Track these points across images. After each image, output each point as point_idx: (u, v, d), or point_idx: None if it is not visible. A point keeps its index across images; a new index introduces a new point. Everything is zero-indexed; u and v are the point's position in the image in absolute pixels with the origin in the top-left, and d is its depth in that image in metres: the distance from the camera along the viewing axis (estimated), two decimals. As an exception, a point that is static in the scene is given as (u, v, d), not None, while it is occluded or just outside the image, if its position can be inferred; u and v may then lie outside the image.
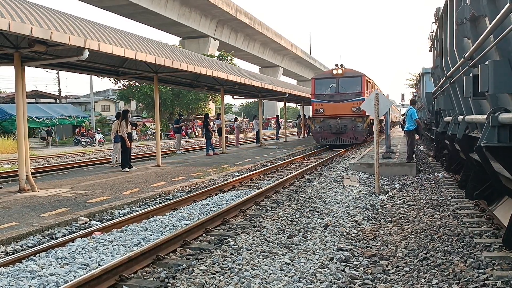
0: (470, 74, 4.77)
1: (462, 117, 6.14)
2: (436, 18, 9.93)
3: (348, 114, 22.41)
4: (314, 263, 5.31)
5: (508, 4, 3.09)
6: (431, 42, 12.11)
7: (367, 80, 23.08)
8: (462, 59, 5.35)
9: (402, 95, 32.72)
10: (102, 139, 35.49)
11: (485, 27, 4.10)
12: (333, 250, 5.87)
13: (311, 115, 24.55)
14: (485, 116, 3.98)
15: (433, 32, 11.25)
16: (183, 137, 35.12)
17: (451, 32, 6.91)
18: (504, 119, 3.65)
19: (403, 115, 25.12)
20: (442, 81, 8.86)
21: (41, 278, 4.73)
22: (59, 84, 49.58)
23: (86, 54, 9.40)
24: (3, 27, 7.48)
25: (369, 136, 26.41)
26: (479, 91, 4.00)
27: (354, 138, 22.46)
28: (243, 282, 4.56)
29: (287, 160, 16.75)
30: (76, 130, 40.74)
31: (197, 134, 48.25)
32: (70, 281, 4.49)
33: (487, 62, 3.75)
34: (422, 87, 21.00)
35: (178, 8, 47.77)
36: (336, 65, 23.20)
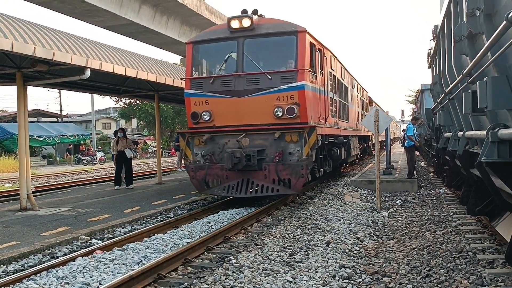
0: (469, 91, 4.82)
1: (462, 133, 6.16)
2: (434, 35, 10.04)
3: (266, 125, 9.94)
4: (316, 281, 5.27)
5: (504, 22, 3.14)
6: (429, 59, 12.22)
7: (311, 43, 10.42)
8: (461, 75, 5.40)
9: (402, 111, 32.88)
10: (103, 157, 35.54)
11: (483, 44, 4.15)
12: (335, 267, 5.84)
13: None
14: (484, 132, 4.00)
15: (432, 49, 11.36)
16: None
17: (449, 49, 6.98)
18: (504, 135, 3.67)
19: (403, 131, 24.77)
20: (441, 97, 8.91)
21: (41, 298, 4.70)
22: (60, 102, 49.91)
23: (88, 73, 9.49)
24: (6, 47, 7.58)
25: (328, 170, 12.78)
26: (478, 107, 4.03)
27: (280, 180, 9.76)
28: (245, 300, 4.52)
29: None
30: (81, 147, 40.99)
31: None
32: (71, 300, 4.46)
33: (485, 79, 3.79)
34: (421, 103, 21.11)
35: (178, 27, 48.22)
36: (244, 11, 10.28)
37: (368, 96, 26.31)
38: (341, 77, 14.76)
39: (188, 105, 10.51)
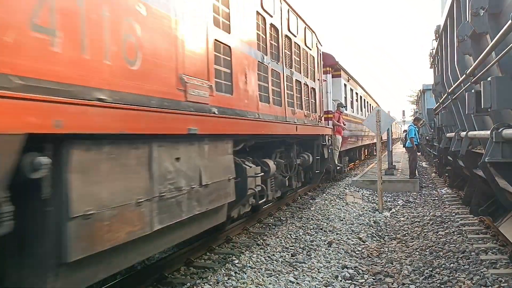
0: (473, 90, 4.81)
1: (465, 133, 6.16)
2: (437, 35, 10.03)
3: None
4: (319, 281, 5.26)
5: (509, 22, 3.13)
6: (431, 59, 12.22)
7: None
8: (464, 75, 5.39)
9: (403, 111, 32.98)
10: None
11: (487, 44, 4.14)
12: (337, 267, 5.82)
13: None
14: (488, 132, 4.00)
15: (434, 49, 11.36)
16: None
17: (452, 49, 6.98)
18: (508, 135, 3.67)
19: (405, 131, 24.62)
20: (443, 97, 8.92)
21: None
22: None
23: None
24: None
25: None
26: (482, 107, 4.02)
27: None
28: (248, 301, 4.50)
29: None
30: None
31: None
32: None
33: (489, 79, 3.79)
34: (423, 103, 21.15)
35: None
36: None
37: (338, 64, 14.56)
38: None
39: None
